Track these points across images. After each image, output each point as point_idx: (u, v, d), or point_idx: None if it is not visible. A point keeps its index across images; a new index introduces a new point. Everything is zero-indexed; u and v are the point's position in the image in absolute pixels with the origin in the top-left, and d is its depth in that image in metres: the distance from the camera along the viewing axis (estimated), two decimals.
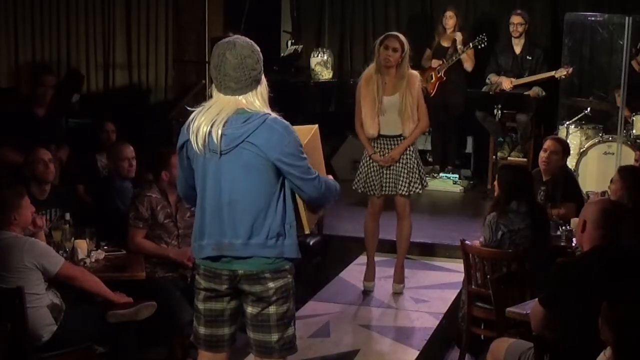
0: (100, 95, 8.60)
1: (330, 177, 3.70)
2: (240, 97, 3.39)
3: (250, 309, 3.51)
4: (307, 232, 3.67)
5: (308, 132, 3.65)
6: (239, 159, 3.39)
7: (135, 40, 8.90)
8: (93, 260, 4.83)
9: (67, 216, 4.93)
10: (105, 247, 5.01)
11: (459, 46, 8.81)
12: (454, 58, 8.83)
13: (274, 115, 3.43)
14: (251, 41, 3.44)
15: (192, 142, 3.41)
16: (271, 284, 3.46)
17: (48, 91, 6.44)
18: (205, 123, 3.38)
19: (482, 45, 8.76)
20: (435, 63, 8.94)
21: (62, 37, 8.24)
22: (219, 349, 3.60)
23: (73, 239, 4.84)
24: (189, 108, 3.50)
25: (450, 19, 8.95)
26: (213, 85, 3.45)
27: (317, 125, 3.75)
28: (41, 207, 5.10)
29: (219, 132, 3.36)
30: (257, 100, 3.41)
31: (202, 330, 3.58)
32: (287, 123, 3.44)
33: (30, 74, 7.01)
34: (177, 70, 9.17)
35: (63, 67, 8.26)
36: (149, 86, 9.07)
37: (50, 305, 4.34)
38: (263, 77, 3.46)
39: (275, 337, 3.50)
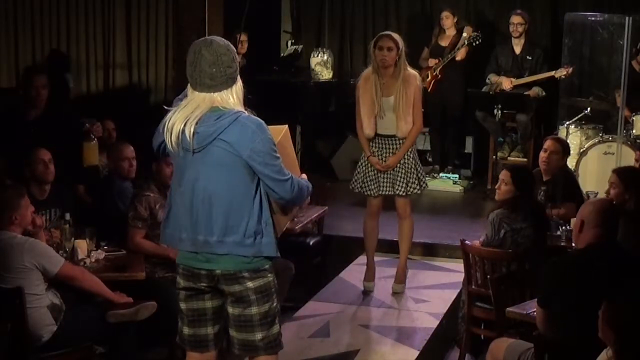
0: (100, 95, 8.60)
1: (304, 176, 3.71)
2: (215, 95, 3.41)
3: (231, 310, 3.53)
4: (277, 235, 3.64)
5: (278, 133, 3.65)
6: (212, 157, 3.41)
7: (135, 40, 8.91)
8: (93, 260, 4.83)
9: (67, 216, 4.92)
10: (105, 247, 5.00)
11: (463, 36, 8.80)
12: (449, 56, 8.85)
13: (247, 113, 3.45)
14: (227, 41, 3.48)
15: (167, 141, 3.44)
16: (250, 284, 3.47)
17: (40, 92, 6.32)
18: (179, 121, 3.40)
19: (477, 42, 8.78)
20: (431, 62, 8.96)
21: (62, 37, 8.24)
22: (204, 349, 3.62)
23: (73, 239, 4.84)
24: (166, 107, 3.52)
25: (447, 19, 8.97)
26: (188, 85, 3.47)
27: (287, 126, 3.76)
28: (41, 207, 5.09)
29: (192, 129, 3.38)
30: (231, 97, 3.43)
31: (185, 330, 3.62)
32: (261, 121, 3.45)
33: (22, 76, 6.85)
34: (177, 70, 9.15)
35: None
36: (149, 86, 9.07)
37: (50, 306, 4.34)
38: (239, 77, 3.48)
39: (259, 335, 3.52)
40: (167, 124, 3.44)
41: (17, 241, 4.30)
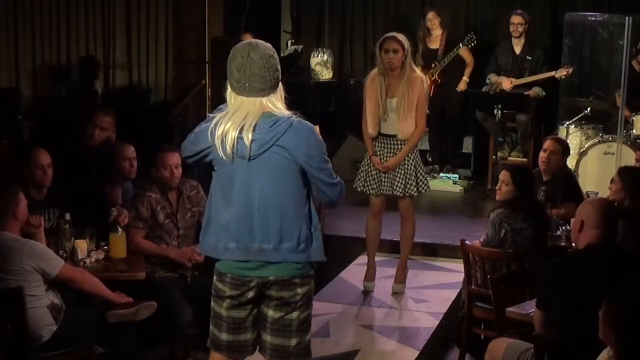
0: (100, 95, 8.60)
1: None
2: (265, 99, 3.37)
3: (272, 313, 3.49)
4: None
5: None
6: (269, 163, 3.38)
7: (135, 40, 8.92)
8: (93, 260, 4.82)
9: (67, 216, 4.91)
10: (105, 247, 4.99)
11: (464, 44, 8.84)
12: (445, 60, 8.86)
13: (298, 117, 3.43)
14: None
15: (218, 148, 3.37)
16: (299, 290, 3.46)
17: (96, 131, 6.02)
18: (233, 128, 3.34)
19: (472, 45, 8.79)
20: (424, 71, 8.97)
21: (62, 37, 8.24)
22: (242, 353, 3.59)
23: (73, 239, 4.83)
24: (209, 115, 3.45)
25: (434, 19, 8.97)
26: (229, 91, 3.40)
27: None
28: (39, 208, 5.08)
29: (250, 137, 3.33)
30: (279, 101, 3.41)
31: (224, 336, 3.55)
32: (312, 125, 3.45)
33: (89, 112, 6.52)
34: (177, 70, 9.17)
35: (63, 67, 8.26)
36: (149, 86, 9.08)
37: (50, 306, 4.34)
38: None
39: (294, 341, 3.50)
40: (216, 131, 3.36)
41: (16, 243, 4.29)
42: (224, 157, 3.38)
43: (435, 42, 9.01)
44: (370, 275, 6.28)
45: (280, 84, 3.44)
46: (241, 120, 3.34)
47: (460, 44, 8.82)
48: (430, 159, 9.47)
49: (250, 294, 3.48)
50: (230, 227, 3.44)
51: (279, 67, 3.41)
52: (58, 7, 8.19)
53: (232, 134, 3.34)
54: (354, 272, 6.62)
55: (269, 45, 3.42)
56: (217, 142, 3.36)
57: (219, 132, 3.36)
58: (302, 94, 9.67)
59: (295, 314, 3.48)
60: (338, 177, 3.54)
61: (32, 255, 4.28)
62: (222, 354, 3.60)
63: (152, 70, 9.06)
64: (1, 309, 4.12)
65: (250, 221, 3.42)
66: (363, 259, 6.47)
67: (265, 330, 3.53)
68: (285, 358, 3.52)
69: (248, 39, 3.53)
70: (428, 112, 6.13)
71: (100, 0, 8.56)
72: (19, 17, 7.81)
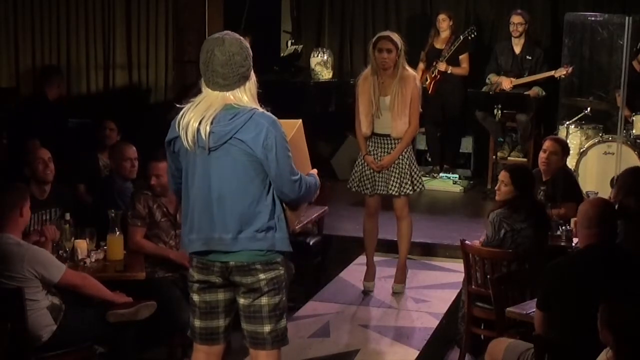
0: (100, 95, 8.60)
1: (315, 171, 3.73)
2: (229, 93, 3.42)
3: (242, 300, 3.53)
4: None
5: (292, 127, 3.65)
6: (227, 155, 3.42)
7: (135, 40, 8.90)
8: (93, 260, 4.82)
9: (67, 216, 4.92)
10: (105, 247, 4.99)
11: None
12: (446, 55, 8.85)
13: (261, 110, 3.45)
14: (240, 37, 3.47)
15: (182, 138, 3.44)
16: (262, 275, 3.48)
17: (112, 135, 6.55)
18: (194, 119, 3.41)
19: (472, 36, 8.81)
20: (422, 67, 8.95)
21: (62, 38, 8.24)
22: (214, 342, 3.62)
23: (73, 239, 4.84)
24: (178, 105, 3.52)
25: (443, 22, 8.97)
26: (202, 80, 3.47)
27: (300, 120, 3.75)
28: (41, 207, 5.09)
29: (207, 128, 3.39)
30: (245, 96, 3.44)
31: (197, 323, 3.61)
32: (274, 118, 3.46)
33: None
34: (177, 70, 9.16)
35: (63, 68, 8.25)
36: (149, 86, 9.07)
37: (49, 306, 4.33)
38: (252, 73, 3.49)
39: (267, 328, 3.53)
40: (181, 121, 3.44)
41: (18, 248, 4.27)
42: (187, 148, 3.45)
43: (442, 43, 9.00)
44: (370, 275, 6.28)
45: (250, 77, 3.47)
46: (203, 111, 3.41)
47: (461, 36, 8.82)
48: (430, 159, 9.46)
49: (216, 279, 3.52)
50: (194, 217, 3.51)
51: (245, 62, 3.42)
52: (58, 7, 8.18)
53: (193, 125, 3.40)
54: (353, 272, 6.62)
55: (237, 40, 3.43)
56: (182, 133, 3.44)
57: (183, 122, 3.43)
58: (302, 94, 9.66)
59: (264, 300, 3.50)
60: (300, 174, 3.50)
61: (34, 262, 4.27)
62: (197, 343, 3.64)
63: (152, 70, 9.05)
64: (1, 310, 4.12)
65: (210, 211, 3.47)
66: (363, 259, 6.47)
67: (242, 318, 3.57)
68: (261, 345, 3.55)
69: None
70: (426, 110, 6.11)
71: (100, 0, 8.55)
72: (19, 17, 7.80)
